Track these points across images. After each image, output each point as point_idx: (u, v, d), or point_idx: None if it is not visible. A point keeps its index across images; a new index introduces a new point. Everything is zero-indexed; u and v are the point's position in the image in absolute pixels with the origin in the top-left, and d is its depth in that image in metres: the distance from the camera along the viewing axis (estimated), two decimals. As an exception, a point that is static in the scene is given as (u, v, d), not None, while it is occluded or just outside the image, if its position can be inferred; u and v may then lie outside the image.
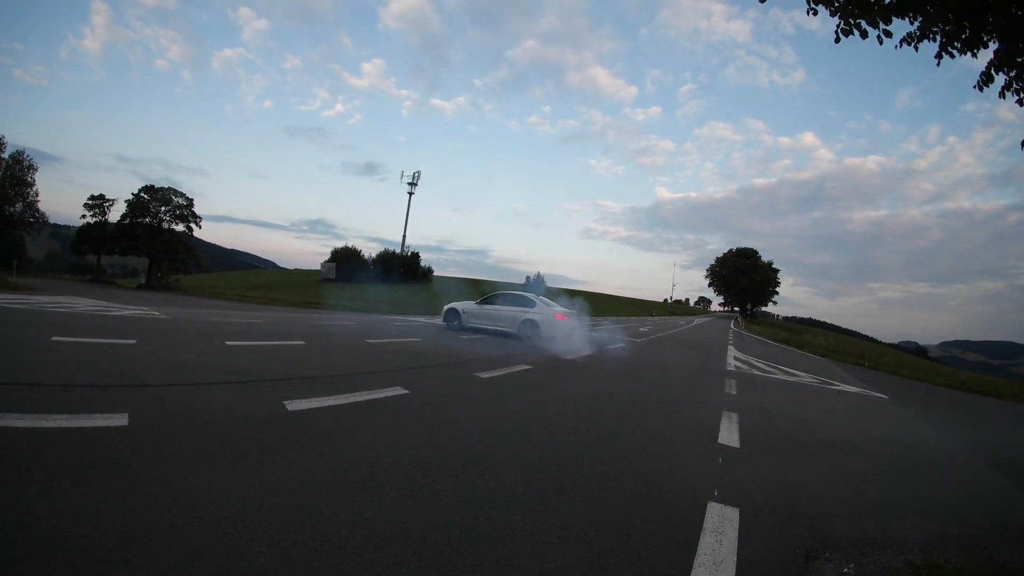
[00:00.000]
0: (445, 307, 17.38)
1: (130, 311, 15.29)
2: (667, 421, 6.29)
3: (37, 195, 50.89)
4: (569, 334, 14.98)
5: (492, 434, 4.89)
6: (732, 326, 50.72)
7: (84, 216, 55.72)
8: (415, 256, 64.28)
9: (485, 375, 8.41)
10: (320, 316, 20.85)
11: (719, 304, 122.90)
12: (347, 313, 25.07)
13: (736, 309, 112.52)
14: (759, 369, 14.09)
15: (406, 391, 6.53)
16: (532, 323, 15.27)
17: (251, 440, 4.14)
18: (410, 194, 55.22)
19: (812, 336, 41.31)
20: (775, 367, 15.36)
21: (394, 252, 62.41)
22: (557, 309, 15.64)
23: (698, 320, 62.21)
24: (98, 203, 56.02)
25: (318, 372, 7.44)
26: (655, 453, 4.81)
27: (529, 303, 15.93)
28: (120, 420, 4.25)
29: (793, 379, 12.73)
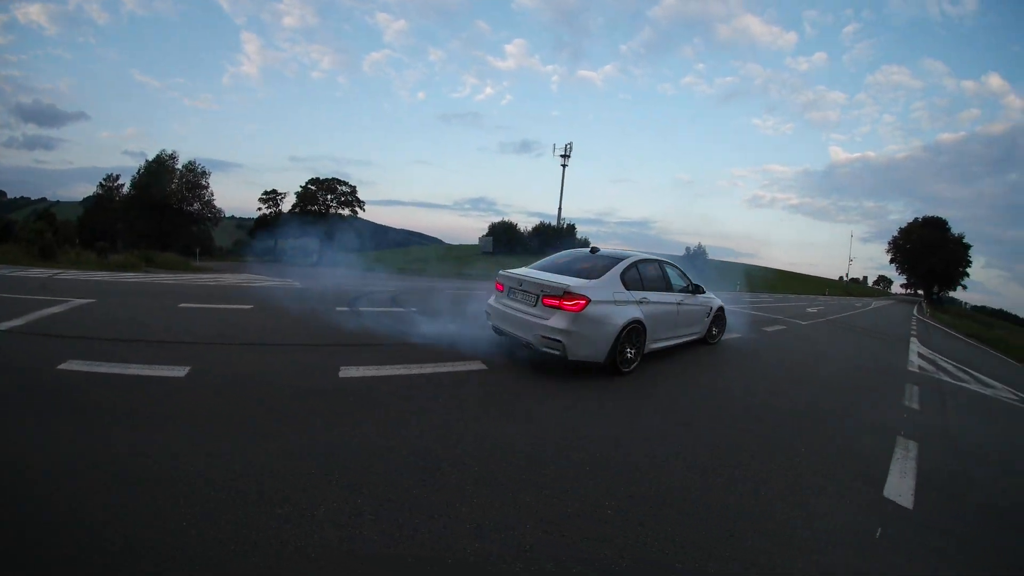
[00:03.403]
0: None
1: (272, 282, 16.42)
2: (820, 450, 4.66)
3: (212, 195, 61.12)
4: None
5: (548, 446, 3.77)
6: (915, 312, 44.06)
7: (260, 208, 67.12)
8: (571, 228, 64.88)
9: None
10: (453, 285, 20.73)
11: (900, 286, 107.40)
12: (487, 282, 24.67)
13: (920, 292, 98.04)
14: (948, 373, 11.34)
15: (484, 366, 5.98)
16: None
17: (289, 404, 4.32)
18: (563, 166, 57.09)
19: (1007, 333, 34.20)
20: (966, 371, 12.25)
21: (550, 224, 63.61)
22: None
23: (877, 303, 55.05)
24: (271, 196, 67.03)
25: (395, 338, 7.34)
26: (786, 509, 3.41)
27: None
28: (180, 372, 4.81)
29: (988, 392, 9.94)
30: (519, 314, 6.36)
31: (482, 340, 7.48)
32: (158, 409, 3.93)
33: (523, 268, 7.24)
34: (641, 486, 3.42)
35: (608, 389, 5.76)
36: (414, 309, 10.68)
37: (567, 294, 6.00)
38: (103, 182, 59.33)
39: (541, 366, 6.39)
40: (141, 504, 2.64)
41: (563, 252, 8.10)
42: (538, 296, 6.23)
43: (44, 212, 58.67)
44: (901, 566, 2.92)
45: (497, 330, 6.93)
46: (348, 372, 5.29)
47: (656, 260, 7.84)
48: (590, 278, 6.49)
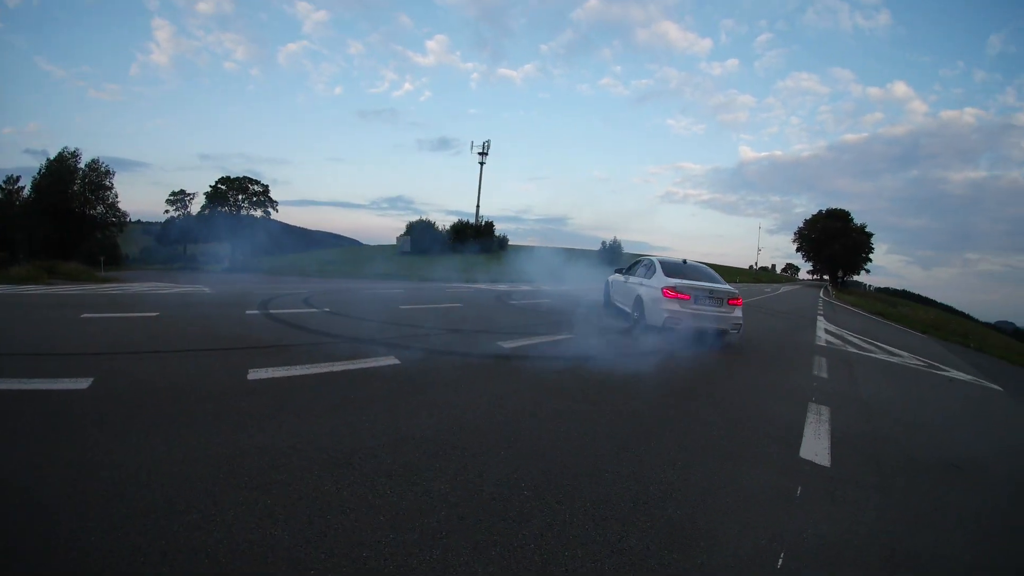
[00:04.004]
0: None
1: (179, 289, 15.68)
2: (733, 419, 4.76)
3: (117, 197, 55.62)
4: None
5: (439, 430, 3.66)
6: (821, 295, 46.90)
7: (167, 211, 63.03)
8: (489, 226, 63.78)
9: (509, 344, 7.38)
10: (369, 285, 20.33)
11: (807, 272, 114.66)
12: (403, 282, 24.57)
13: (826, 277, 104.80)
14: (854, 346, 12.03)
15: (397, 361, 5.91)
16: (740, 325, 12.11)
17: (195, 409, 4.06)
18: (481, 164, 57.01)
19: (911, 310, 37.25)
20: (872, 343, 13.13)
21: (468, 223, 62.33)
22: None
23: (785, 288, 58.24)
24: (179, 198, 63.34)
25: (306, 341, 7.04)
26: (703, 476, 3.41)
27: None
28: (83, 384, 4.51)
29: (895, 360, 10.62)
30: (714, 312, 9.16)
31: (396, 337, 7.39)
32: (60, 423, 3.69)
33: (679, 280, 9.48)
34: (555, 465, 3.34)
35: (518, 375, 5.79)
36: (327, 309, 10.39)
37: (738, 297, 9.57)
38: (2, 185, 53.64)
39: (451, 358, 6.44)
40: (44, 518, 2.48)
41: (673, 263, 10.79)
42: (723, 299, 9.29)
43: (-59, 222, 52.87)
44: (822, 519, 2.96)
45: (686, 328, 9.04)
46: (257, 374, 5.04)
47: None
48: (724, 284, 9.98)
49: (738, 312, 9.39)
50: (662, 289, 9.43)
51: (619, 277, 12.66)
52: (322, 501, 2.69)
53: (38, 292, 14.27)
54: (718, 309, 9.14)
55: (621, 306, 11.93)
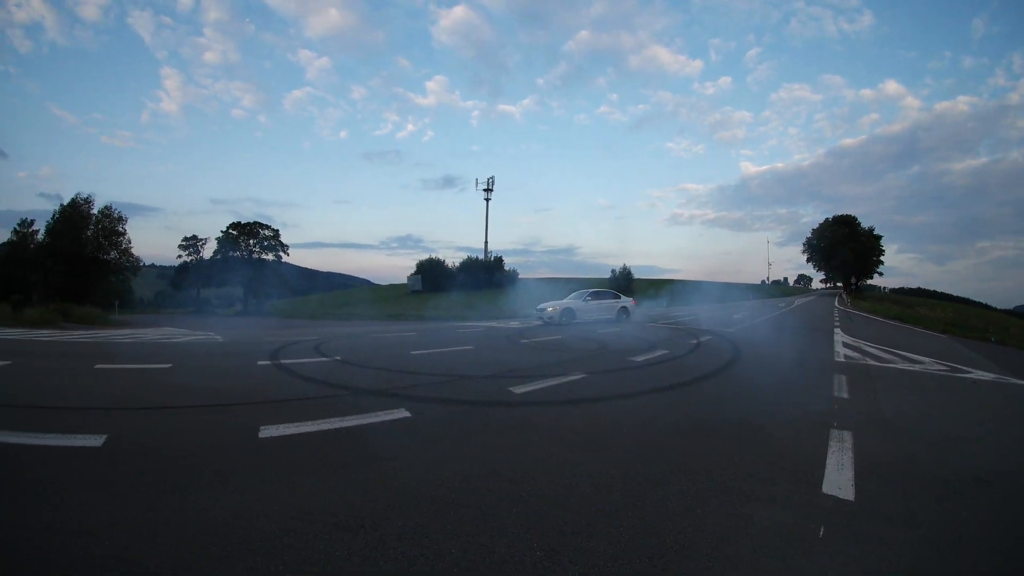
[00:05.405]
0: (558, 306, 21.69)
1: (193, 337, 15.99)
2: (750, 455, 4.58)
3: (130, 242, 57.32)
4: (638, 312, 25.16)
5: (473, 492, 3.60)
6: (836, 304, 46.35)
7: (180, 256, 64.06)
8: (498, 260, 64.22)
9: (520, 389, 7.26)
10: (380, 328, 20.46)
11: (820, 281, 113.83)
12: (414, 323, 24.87)
13: (839, 285, 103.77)
14: (873, 357, 11.75)
15: (408, 414, 5.82)
16: (625, 309, 23.37)
17: (206, 470, 4.07)
18: (487, 200, 58.59)
19: (928, 309, 36.64)
20: (891, 352, 12.79)
21: (477, 259, 62.89)
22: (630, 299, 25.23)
23: (799, 300, 57.52)
24: (191, 243, 64.33)
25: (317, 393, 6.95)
26: (719, 522, 3.28)
27: (615, 295, 24.46)
28: (96, 441, 4.57)
29: (917, 368, 10.31)
30: (632, 308, 24.24)
31: (407, 386, 7.38)
32: (73, 483, 3.72)
33: (628, 299, 24.74)
34: (567, 520, 3.23)
35: (529, 423, 5.69)
36: (339, 358, 10.40)
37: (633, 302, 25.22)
38: (17, 228, 55.14)
39: (462, 408, 6.41)
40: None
41: (595, 291, 24.00)
42: (631, 303, 24.53)
43: (-45, 264, 53.70)
44: (847, 560, 2.82)
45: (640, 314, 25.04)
46: (268, 431, 5.04)
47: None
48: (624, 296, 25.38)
49: (635, 308, 24.29)
50: (631, 301, 24.40)
51: (581, 302, 22.06)
52: (333, 567, 2.64)
53: (53, 339, 14.69)
54: (632, 308, 23.85)
55: (601, 317, 22.07)
